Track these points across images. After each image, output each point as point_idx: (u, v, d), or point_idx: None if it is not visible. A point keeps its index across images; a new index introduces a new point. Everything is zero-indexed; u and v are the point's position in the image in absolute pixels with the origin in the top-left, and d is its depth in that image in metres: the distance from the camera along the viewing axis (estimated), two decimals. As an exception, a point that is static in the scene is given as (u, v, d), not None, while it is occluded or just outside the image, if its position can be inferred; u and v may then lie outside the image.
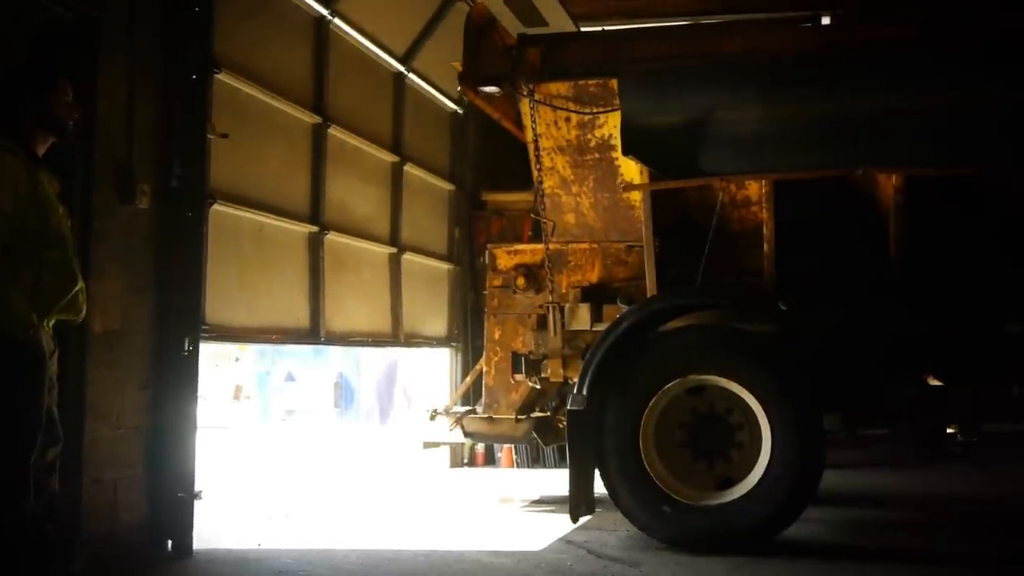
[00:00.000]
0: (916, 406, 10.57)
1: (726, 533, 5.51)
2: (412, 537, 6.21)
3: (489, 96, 6.36)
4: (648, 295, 6.04)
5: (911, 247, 5.71)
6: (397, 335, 8.72)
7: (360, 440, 13.19)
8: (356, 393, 16.35)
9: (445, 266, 9.96)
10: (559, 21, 8.86)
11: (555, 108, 6.17)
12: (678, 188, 6.07)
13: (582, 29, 8.74)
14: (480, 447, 9.80)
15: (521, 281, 6.70)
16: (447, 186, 9.99)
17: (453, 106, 9.95)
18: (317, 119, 7.31)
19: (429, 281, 9.61)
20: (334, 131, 7.53)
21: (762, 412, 5.56)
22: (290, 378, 17.09)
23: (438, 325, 9.80)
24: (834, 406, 5.52)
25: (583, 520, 5.72)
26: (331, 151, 7.50)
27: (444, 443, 7.88)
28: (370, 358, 15.44)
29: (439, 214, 9.94)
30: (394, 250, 8.72)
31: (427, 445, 7.65)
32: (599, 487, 5.78)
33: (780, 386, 5.53)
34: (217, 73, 5.91)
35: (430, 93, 9.53)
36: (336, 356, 16.51)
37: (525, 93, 6.16)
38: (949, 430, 11.44)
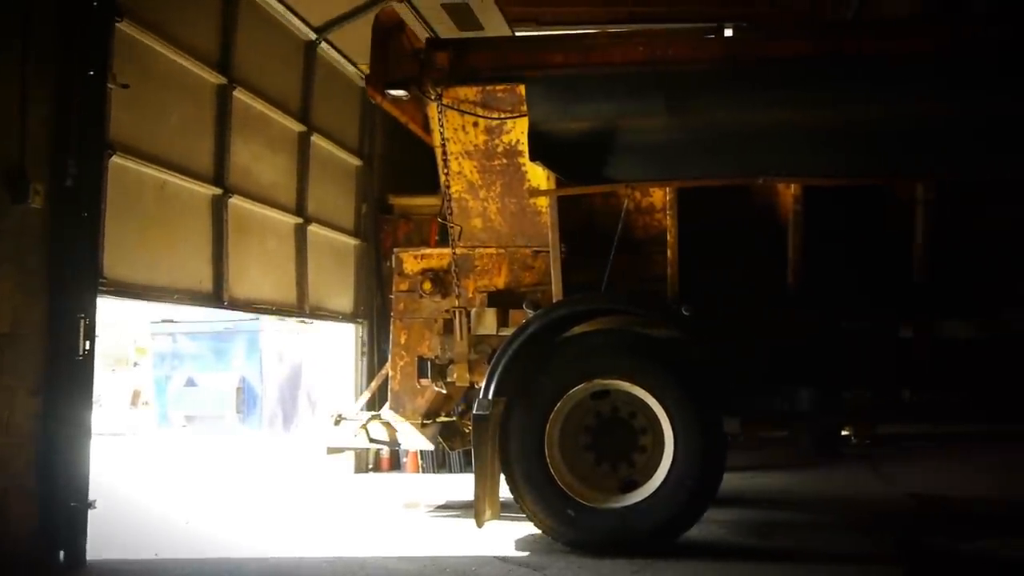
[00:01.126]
0: (814, 409, 10.91)
1: (629, 535, 5.59)
2: (316, 544, 6.13)
3: (397, 99, 6.33)
4: (554, 300, 6.09)
5: (809, 254, 5.87)
6: (302, 306, 8.64)
7: (263, 446, 12.97)
8: (259, 398, 16.04)
9: (352, 241, 9.87)
10: (494, 25, 8.89)
11: (463, 112, 6.16)
12: (584, 194, 6.14)
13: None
14: (385, 452, 9.74)
15: (428, 285, 6.68)
16: (355, 161, 9.88)
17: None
18: (222, 80, 7.21)
19: (335, 255, 9.52)
20: (240, 94, 7.44)
21: (665, 416, 5.66)
22: (191, 383, 16.65)
23: (344, 300, 9.71)
24: (735, 410, 5.63)
25: (488, 524, 5.72)
26: (237, 114, 7.40)
27: (349, 448, 7.80)
28: (273, 364, 15.19)
29: (346, 188, 9.83)
30: (300, 220, 8.62)
31: (331, 451, 7.55)
32: (504, 491, 5.80)
33: (682, 390, 5.63)
34: (119, 22, 5.80)
35: (343, 67, 9.40)
36: (239, 361, 16.18)
37: (433, 97, 6.14)
38: (844, 432, 11.83)
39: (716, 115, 6.00)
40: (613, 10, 9.84)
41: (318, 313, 9.02)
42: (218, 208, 7.18)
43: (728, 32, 6.63)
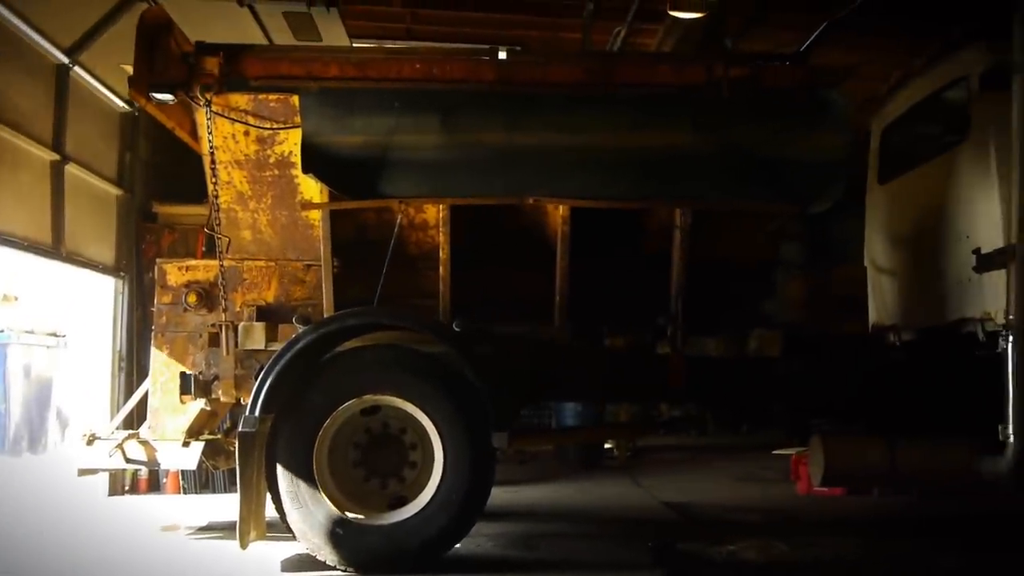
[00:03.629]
0: (579, 424, 11.32)
1: (398, 552, 5.58)
2: (58, 574, 5.74)
3: (163, 104, 6.07)
4: (325, 315, 6.01)
5: (576, 273, 6.07)
6: (58, 248, 8.09)
7: (5, 469, 12.04)
8: (2, 417, 14.90)
9: (115, 191, 9.35)
10: (334, 36, 8.72)
11: (233, 121, 5.99)
12: (357, 209, 6.09)
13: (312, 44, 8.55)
14: (143, 473, 9.26)
15: (192, 298, 6.42)
16: (121, 105, 9.33)
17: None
18: None
19: (97, 201, 9.01)
20: None
21: (435, 431, 5.69)
22: (-80, 401, 15.27)
23: (104, 249, 9.17)
24: (503, 424, 5.73)
25: (253, 545, 5.54)
26: None
27: (102, 470, 7.33)
28: (19, 380, 14.15)
29: (110, 133, 9.29)
30: (57, 157, 8.05)
31: (83, 472, 7.07)
32: (271, 511, 5.65)
33: (452, 405, 5.68)
34: None
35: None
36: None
37: (202, 103, 5.94)
38: (607, 445, 12.36)
39: (490, 135, 6.11)
40: (389, 27, 9.86)
41: (76, 258, 8.46)
42: None
43: (502, 55, 6.76)
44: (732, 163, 6.09)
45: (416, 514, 5.65)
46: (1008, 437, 5.64)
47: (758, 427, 6.85)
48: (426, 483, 5.72)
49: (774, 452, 10.69)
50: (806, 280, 6.70)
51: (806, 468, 7.73)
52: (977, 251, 6.11)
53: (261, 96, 6.00)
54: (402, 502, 5.80)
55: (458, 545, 5.79)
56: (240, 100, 5.99)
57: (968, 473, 5.94)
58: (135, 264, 9.55)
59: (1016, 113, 5.68)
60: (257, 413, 5.53)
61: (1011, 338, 5.64)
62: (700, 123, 6.09)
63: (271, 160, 6.11)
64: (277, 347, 5.88)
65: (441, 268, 6.04)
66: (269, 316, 6.28)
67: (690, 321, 6.12)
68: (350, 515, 5.66)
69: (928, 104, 7.21)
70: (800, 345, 6.27)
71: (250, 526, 5.47)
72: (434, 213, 6.07)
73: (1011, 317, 5.64)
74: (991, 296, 6.04)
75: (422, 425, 5.75)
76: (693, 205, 6.06)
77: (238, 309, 6.30)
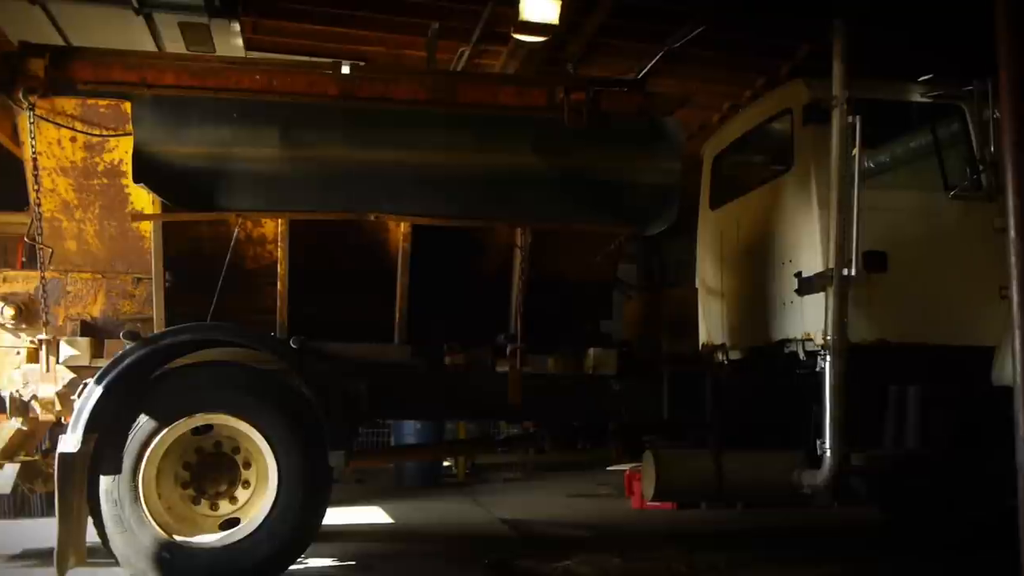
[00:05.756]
0: (418, 442, 11.24)
1: (231, 574, 5.41)
2: None
3: (-19, 105, 5.74)
4: (156, 330, 5.79)
5: (417, 290, 6.06)
6: None
7: None
8: None
9: None
10: (229, 48, 8.47)
11: (59, 126, 5.72)
12: (191, 221, 5.91)
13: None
14: (-50, 498, 8.68)
15: (10, 312, 6.08)
16: None
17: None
18: None
19: None
20: None
21: (269, 451, 5.56)
22: None
23: None
24: (340, 443, 5.65)
25: (72, 572, 5.27)
26: None
27: (-95, 495, 6.85)
28: None
29: None
30: None
31: None
32: (92, 536, 5.39)
33: (287, 424, 5.56)
34: None
35: None
36: None
37: (24, 106, 5.64)
38: (446, 463, 12.37)
39: (331, 150, 6.05)
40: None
41: None
42: None
43: (346, 69, 6.70)
44: (571, 184, 6.22)
45: (249, 535, 5.50)
46: (825, 451, 5.94)
47: (594, 444, 6.98)
48: (259, 504, 5.59)
49: (609, 468, 10.94)
50: (641, 300, 6.89)
51: (639, 483, 7.94)
52: (799, 275, 6.44)
53: (90, 101, 5.75)
54: (235, 523, 5.64)
55: (293, 567, 5.66)
56: (67, 104, 5.73)
57: (789, 486, 6.22)
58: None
59: (835, 145, 6.03)
60: (80, 433, 5.27)
61: (828, 358, 5.95)
62: (540, 144, 6.19)
63: (100, 168, 5.85)
64: (103, 363, 5.63)
65: (279, 284, 5.92)
66: (95, 331, 6.01)
67: (529, 339, 6.20)
68: (179, 538, 5.47)
69: (756, 135, 7.57)
70: (635, 363, 6.44)
71: (69, 552, 5.21)
72: (272, 227, 5.96)
73: (828, 338, 5.96)
74: (811, 318, 6.37)
75: (256, 444, 5.61)
76: (533, 224, 6.15)
77: (61, 323, 6.00)
